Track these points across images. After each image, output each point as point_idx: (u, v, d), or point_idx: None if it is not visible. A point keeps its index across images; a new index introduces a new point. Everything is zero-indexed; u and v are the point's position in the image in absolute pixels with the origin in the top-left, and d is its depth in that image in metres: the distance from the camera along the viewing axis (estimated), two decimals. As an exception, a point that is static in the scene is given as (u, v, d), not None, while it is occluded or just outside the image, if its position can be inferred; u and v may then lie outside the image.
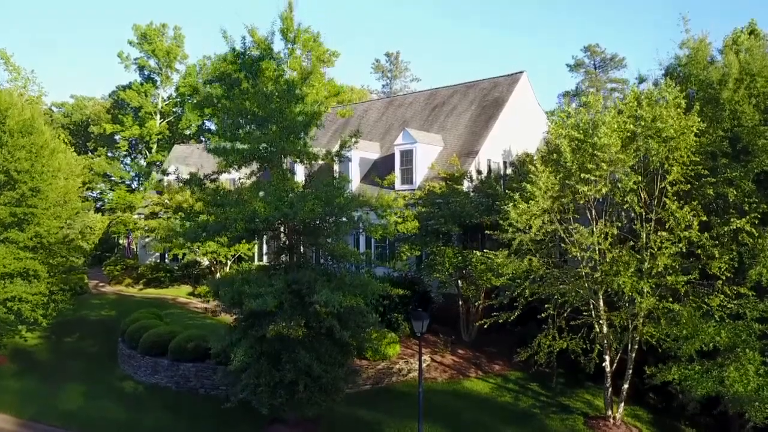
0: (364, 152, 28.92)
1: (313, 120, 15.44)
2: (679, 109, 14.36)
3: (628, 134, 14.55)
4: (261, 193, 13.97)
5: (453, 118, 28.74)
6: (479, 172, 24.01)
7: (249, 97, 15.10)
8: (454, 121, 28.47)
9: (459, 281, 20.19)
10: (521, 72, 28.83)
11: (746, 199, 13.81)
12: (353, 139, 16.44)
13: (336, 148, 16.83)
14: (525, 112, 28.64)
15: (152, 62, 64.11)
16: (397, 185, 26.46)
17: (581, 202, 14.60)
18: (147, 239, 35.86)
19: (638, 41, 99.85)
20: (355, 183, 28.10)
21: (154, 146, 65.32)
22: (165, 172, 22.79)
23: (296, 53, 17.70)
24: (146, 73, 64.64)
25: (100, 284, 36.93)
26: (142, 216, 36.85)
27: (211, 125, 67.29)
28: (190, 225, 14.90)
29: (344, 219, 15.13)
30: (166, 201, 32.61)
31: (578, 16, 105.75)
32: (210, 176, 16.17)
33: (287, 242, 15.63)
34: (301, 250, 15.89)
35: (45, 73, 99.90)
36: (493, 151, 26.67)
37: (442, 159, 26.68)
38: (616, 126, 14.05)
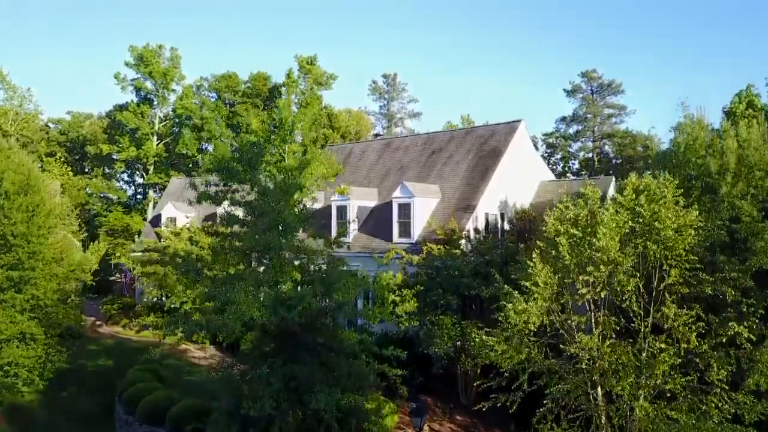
0: (361, 201, 28.87)
1: (309, 218, 15.42)
2: (677, 207, 14.37)
3: (627, 230, 14.55)
4: (261, 296, 13.89)
5: (450, 166, 28.73)
6: (477, 232, 24.00)
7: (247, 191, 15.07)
8: (451, 170, 28.46)
9: (457, 352, 20.17)
10: (519, 121, 28.84)
11: (744, 300, 13.83)
12: (351, 226, 16.41)
13: (334, 235, 16.79)
14: (522, 162, 28.64)
15: (149, 84, 63.96)
16: (395, 238, 26.44)
17: (580, 303, 14.60)
18: (144, 285, 35.71)
19: (636, 67, 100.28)
20: (352, 233, 28.07)
21: (151, 167, 65.10)
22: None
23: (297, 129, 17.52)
24: (143, 94, 64.45)
25: (97, 322, 36.81)
26: (138, 253, 36.73)
27: (209, 147, 67.27)
28: (187, 325, 14.88)
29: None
30: (163, 248, 32.47)
31: (576, 40, 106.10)
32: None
33: (283, 336, 15.57)
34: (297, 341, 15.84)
35: (42, 87, 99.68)
36: (491, 204, 26.66)
37: (440, 211, 26.67)
38: (614, 225, 14.04)
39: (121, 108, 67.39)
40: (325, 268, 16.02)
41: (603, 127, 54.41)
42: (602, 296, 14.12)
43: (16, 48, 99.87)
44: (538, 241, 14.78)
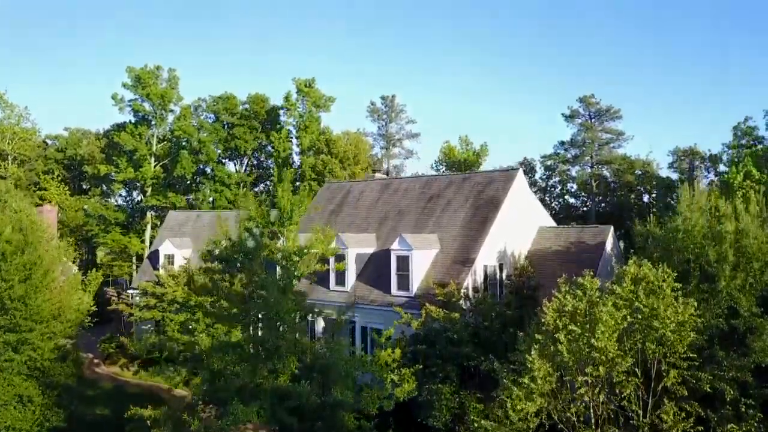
0: (359, 248, 28.84)
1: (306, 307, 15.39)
2: (676, 302, 14.35)
3: (625, 325, 14.53)
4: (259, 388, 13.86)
5: (449, 214, 28.70)
6: (476, 290, 24.01)
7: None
8: (449, 219, 28.43)
9: (456, 424, 20.14)
10: (516, 168, 28.99)
11: (744, 399, 13.83)
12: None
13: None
14: (521, 209, 28.63)
15: (146, 105, 63.82)
16: (393, 290, 26.42)
17: (579, 403, 14.58)
18: (141, 325, 35.64)
19: (634, 93, 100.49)
20: (350, 282, 28.07)
21: (149, 189, 64.93)
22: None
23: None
24: (140, 115, 64.25)
25: (95, 360, 36.76)
26: (136, 293, 36.65)
27: (207, 169, 67.04)
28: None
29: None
30: (161, 293, 32.44)
31: (575, 67, 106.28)
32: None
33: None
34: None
35: (39, 103, 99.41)
36: (490, 255, 26.64)
37: (439, 262, 26.67)
38: (613, 323, 14.02)
39: (119, 128, 67.29)
40: (323, 351, 16.03)
41: (601, 152, 54.48)
42: (601, 399, 14.11)
43: (13, 66, 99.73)
44: (537, 334, 14.71)
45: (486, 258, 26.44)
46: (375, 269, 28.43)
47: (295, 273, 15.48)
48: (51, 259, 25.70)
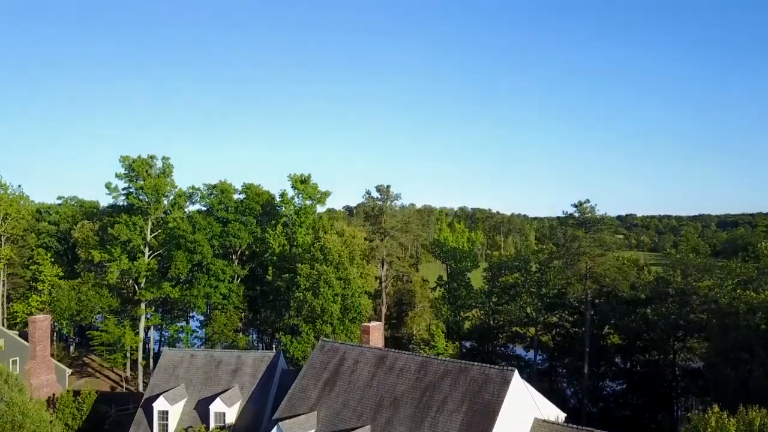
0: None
1: None
2: None
3: None
4: None
5: (444, 416, 28.63)
6: None
7: None
8: (445, 423, 28.39)
9: None
10: (512, 370, 28.91)
11: None
12: None
13: None
14: (516, 405, 28.70)
15: (141, 196, 63.71)
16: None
17: None
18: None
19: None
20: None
21: (143, 280, 64.69)
22: None
23: None
24: (134, 205, 64.09)
25: None
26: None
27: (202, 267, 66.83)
28: None
29: None
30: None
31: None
32: None
33: None
34: None
35: (32, 171, 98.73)
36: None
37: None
38: None
39: (113, 211, 67.08)
40: None
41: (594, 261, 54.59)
42: None
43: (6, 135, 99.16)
44: None
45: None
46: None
47: None
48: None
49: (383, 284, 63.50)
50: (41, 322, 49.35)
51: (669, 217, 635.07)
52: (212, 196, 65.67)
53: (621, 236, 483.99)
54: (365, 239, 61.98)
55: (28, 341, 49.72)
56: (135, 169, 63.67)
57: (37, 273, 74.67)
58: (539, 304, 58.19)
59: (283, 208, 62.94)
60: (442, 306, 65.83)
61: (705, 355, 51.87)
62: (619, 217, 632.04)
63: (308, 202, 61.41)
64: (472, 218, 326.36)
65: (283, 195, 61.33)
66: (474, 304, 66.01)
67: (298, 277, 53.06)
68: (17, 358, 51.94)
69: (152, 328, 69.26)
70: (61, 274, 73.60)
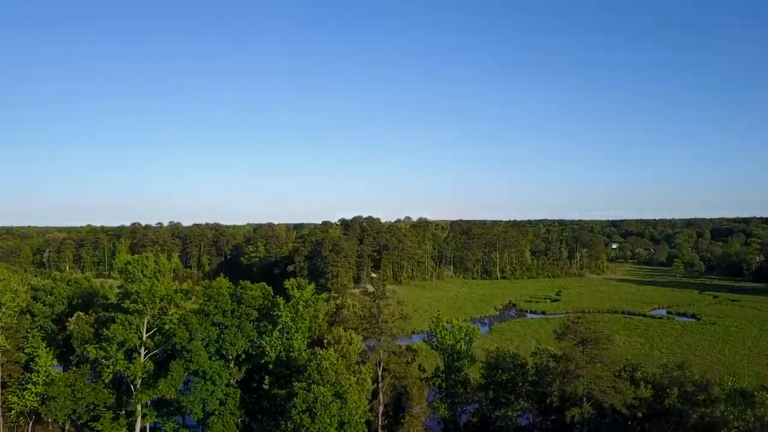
0: None
1: None
2: None
3: None
4: None
5: None
6: None
7: None
8: None
9: None
10: None
11: None
12: None
13: None
14: None
15: (136, 300, 63.33)
16: None
17: None
18: None
19: None
20: None
21: (139, 381, 64.33)
22: None
23: None
24: (130, 309, 63.69)
25: None
26: None
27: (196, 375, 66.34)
28: None
29: None
30: None
31: None
32: None
33: None
34: None
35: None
36: None
37: None
38: None
39: (109, 316, 66.64)
40: None
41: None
42: None
43: None
44: None
45: None
46: None
47: None
48: None
49: (380, 385, 63.33)
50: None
51: (664, 221, 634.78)
52: (209, 300, 64.96)
53: (615, 246, 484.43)
54: (361, 341, 61.86)
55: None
56: (130, 270, 63.40)
57: (30, 360, 74.23)
58: (537, 409, 57.71)
59: (280, 316, 62.60)
60: (440, 405, 65.72)
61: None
62: (613, 223, 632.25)
63: (303, 311, 61.21)
64: (468, 233, 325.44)
65: (278, 303, 61.10)
66: (471, 400, 66.05)
67: (294, 398, 52.89)
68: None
69: (148, 426, 68.86)
70: (55, 363, 73.21)
